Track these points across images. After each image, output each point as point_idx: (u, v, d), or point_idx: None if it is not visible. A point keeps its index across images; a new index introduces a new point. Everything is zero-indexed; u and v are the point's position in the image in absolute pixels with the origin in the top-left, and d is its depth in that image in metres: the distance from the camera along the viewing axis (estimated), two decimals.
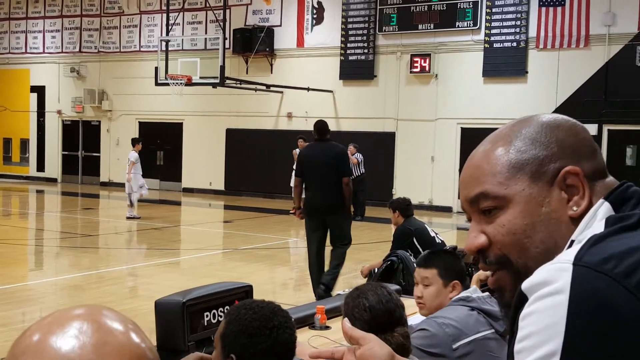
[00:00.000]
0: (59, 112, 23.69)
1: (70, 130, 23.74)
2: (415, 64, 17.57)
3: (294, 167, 16.50)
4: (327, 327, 3.54)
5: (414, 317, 3.21)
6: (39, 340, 0.74)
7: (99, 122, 23.03)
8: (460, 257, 3.14)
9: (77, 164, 23.69)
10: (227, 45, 17.94)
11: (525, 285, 0.88)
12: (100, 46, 22.75)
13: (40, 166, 24.25)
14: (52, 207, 18.61)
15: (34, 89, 24.17)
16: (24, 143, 24.58)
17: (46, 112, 24.03)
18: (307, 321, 3.78)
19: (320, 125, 7.74)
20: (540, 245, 0.99)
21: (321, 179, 7.56)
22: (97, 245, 12.06)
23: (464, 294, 2.74)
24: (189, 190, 21.12)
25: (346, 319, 1.53)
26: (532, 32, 16.28)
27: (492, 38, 16.78)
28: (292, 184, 15.34)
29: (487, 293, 2.78)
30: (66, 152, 23.83)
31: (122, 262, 10.54)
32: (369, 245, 11.55)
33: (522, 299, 0.87)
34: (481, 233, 1.03)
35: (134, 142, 15.03)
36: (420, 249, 6.12)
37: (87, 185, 22.71)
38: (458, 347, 2.56)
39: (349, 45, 18.58)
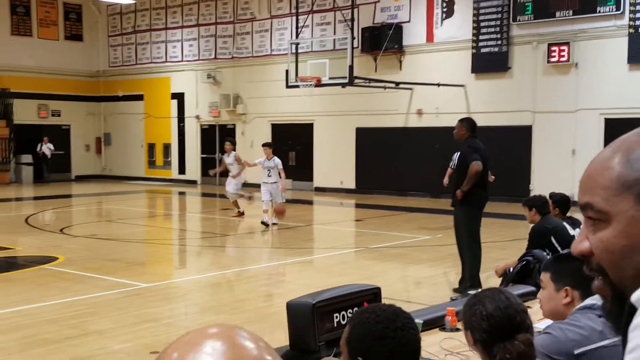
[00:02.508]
0: (197, 117, 24.79)
1: (207, 134, 24.78)
2: (553, 54, 16.77)
3: (232, 172, 14.93)
4: (458, 329, 3.50)
5: (545, 322, 3.11)
6: (178, 357, 0.79)
7: (234, 125, 23.85)
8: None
9: (215, 167, 24.61)
10: (355, 45, 17.97)
11: (634, 297, 0.89)
12: (234, 52, 23.56)
13: (182, 169, 25.49)
14: (193, 208, 19.48)
15: (174, 95, 25.45)
16: (167, 147, 25.95)
17: (185, 117, 25.23)
18: (438, 323, 3.73)
19: (475, 122, 7.94)
20: (638, 267, 0.97)
21: (486, 175, 7.80)
22: (235, 245, 12.46)
23: (589, 301, 2.61)
24: (320, 190, 21.39)
25: None
26: None
27: (638, 22, 15.66)
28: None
29: None
30: (204, 155, 24.89)
31: (258, 261, 10.81)
32: (503, 244, 11.13)
33: (632, 311, 0.88)
34: (586, 239, 1.02)
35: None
36: (559, 248, 5.81)
37: (224, 187, 23.52)
38: (581, 354, 2.45)
39: (481, 37, 18.05)
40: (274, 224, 13.47)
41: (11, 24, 25.56)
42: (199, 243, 12.62)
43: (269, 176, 13.52)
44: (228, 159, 15.27)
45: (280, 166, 13.58)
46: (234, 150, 15.40)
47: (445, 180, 12.37)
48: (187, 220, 16.74)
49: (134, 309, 7.36)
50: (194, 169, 25.12)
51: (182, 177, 25.35)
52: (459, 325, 3.43)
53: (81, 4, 27.27)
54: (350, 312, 3.44)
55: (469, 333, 2.21)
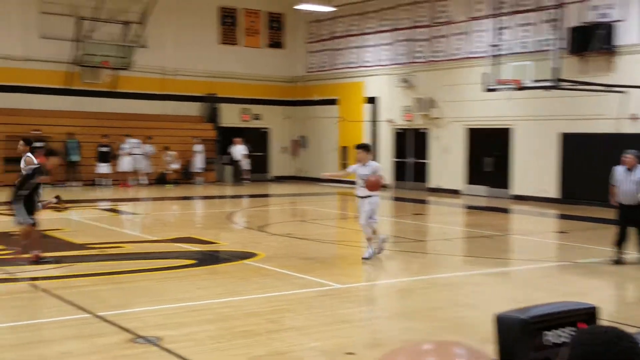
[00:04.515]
0: (390, 121, 24.80)
1: (400, 138, 24.70)
2: None
3: None
4: None
5: None
6: None
7: (427, 129, 23.53)
8: None
9: (407, 171, 24.52)
10: (561, 46, 16.90)
11: None
12: (429, 55, 23.26)
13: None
14: (384, 211, 19.44)
15: (368, 100, 25.68)
16: None
17: (378, 121, 25.34)
18: None
19: None
20: None
21: None
22: (426, 251, 12.16)
23: None
24: (519, 198, 20.40)
25: None
26: None
27: None
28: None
29: None
30: (397, 159, 24.83)
31: (452, 269, 10.42)
32: None
33: None
34: None
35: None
36: None
37: (416, 191, 23.34)
38: None
39: None
40: (364, 258, 10.14)
41: (220, 33, 27.34)
42: (389, 247, 12.48)
43: (363, 187, 10.19)
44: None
45: (380, 171, 10.43)
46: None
47: (613, 200, 10.31)
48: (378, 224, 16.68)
49: (328, 308, 7.40)
50: (386, 172, 25.12)
51: None
52: None
53: (283, 13, 28.50)
54: (562, 331, 3.16)
55: None
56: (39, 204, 9.42)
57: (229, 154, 26.00)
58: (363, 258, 10.12)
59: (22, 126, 22.50)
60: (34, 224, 9.31)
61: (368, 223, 10.21)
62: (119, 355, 5.56)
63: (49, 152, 9.72)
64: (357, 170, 10.21)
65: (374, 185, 9.96)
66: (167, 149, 24.31)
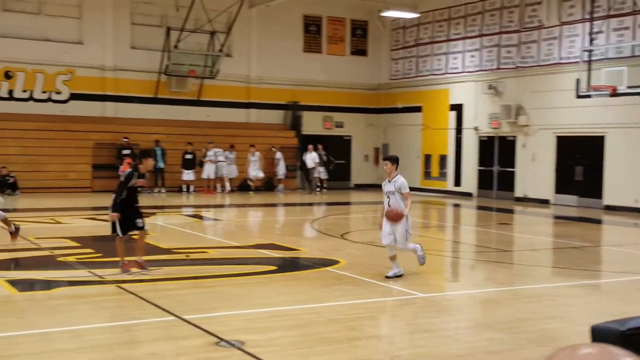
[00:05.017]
0: (475, 128, 24.32)
1: (485, 146, 24.17)
2: None
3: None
4: None
5: None
6: None
7: (515, 137, 22.94)
8: None
9: (492, 179, 23.97)
10: None
11: None
12: (518, 61, 22.68)
13: (457, 181, 25.19)
14: (468, 220, 19.07)
15: (452, 107, 25.28)
16: (443, 159, 25.87)
17: (463, 129, 24.90)
18: None
19: None
20: None
21: None
22: (512, 261, 11.81)
23: None
24: (611, 208, 19.58)
25: None
26: None
27: None
28: None
29: None
30: (482, 168, 24.32)
31: (538, 280, 10.08)
32: None
33: None
34: None
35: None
36: None
37: (502, 200, 22.78)
38: None
39: None
40: (387, 276, 9.15)
41: (304, 41, 27.58)
42: (473, 257, 12.23)
43: (390, 206, 9.20)
44: None
45: (406, 189, 9.22)
46: None
47: None
48: (461, 233, 16.40)
49: (411, 317, 7.31)
50: (470, 181, 24.69)
51: (457, 189, 25.05)
52: None
53: (367, 20, 28.49)
54: None
55: None
56: None
57: (303, 161, 25.78)
58: (386, 276, 9.17)
59: (110, 134, 23.37)
60: (142, 228, 9.26)
61: (390, 244, 9.24)
62: (203, 358, 5.63)
63: (144, 154, 9.56)
64: (384, 186, 9.39)
65: (394, 218, 9.02)
66: (252, 146, 24.53)
